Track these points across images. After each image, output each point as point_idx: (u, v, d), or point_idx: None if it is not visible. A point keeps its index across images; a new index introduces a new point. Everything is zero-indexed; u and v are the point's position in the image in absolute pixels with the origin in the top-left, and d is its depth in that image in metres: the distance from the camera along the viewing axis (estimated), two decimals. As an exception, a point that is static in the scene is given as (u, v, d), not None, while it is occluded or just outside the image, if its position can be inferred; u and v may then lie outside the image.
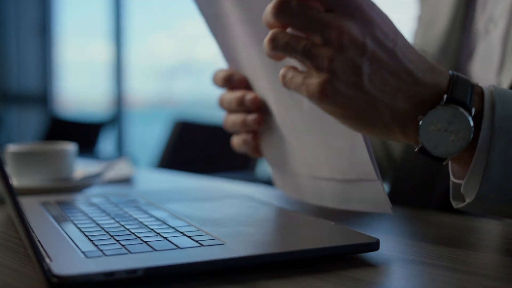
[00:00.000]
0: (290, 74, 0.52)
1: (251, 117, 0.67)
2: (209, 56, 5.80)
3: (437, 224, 0.65)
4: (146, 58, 5.67)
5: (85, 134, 3.10)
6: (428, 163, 0.82)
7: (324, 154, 0.61)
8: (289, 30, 0.52)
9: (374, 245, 0.49)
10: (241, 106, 0.68)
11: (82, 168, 0.96)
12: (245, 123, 0.68)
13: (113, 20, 4.27)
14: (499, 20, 0.75)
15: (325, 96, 0.50)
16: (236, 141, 0.72)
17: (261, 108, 0.68)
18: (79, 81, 5.52)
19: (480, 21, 0.78)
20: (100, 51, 4.63)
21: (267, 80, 0.64)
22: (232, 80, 0.69)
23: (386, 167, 0.92)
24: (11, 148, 0.83)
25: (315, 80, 0.50)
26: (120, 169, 1.03)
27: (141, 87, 5.26)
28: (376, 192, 0.56)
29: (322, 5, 0.50)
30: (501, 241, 0.59)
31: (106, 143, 3.37)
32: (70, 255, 0.46)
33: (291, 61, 0.54)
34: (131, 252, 0.46)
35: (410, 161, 0.85)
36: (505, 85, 0.71)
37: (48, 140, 3.21)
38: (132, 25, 4.29)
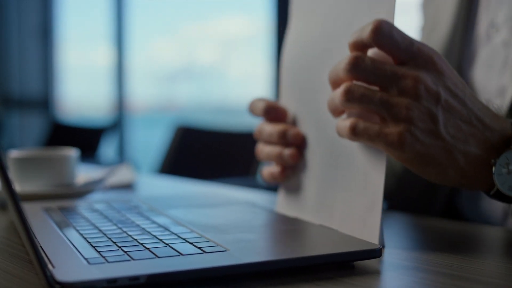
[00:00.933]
0: (362, 125, 0.54)
1: (288, 151, 0.67)
2: (211, 61, 5.81)
3: (440, 231, 0.65)
4: (148, 63, 5.68)
5: (86, 139, 3.10)
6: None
7: (340, 209, 0.60)
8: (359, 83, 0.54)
9: (376, 252, 0.49)
10: (281, 140, 0.67)
11: (84, 173, 0.96)
12: (281, 156, 0.68)
13: (115, 24, 4.28)
14: (501, 26, 0.75)
15: (404, 145, 0.52)
16: (265, 172, 0.72)
17: (300, 145, 0.68)
18: (81, 85, 5.53)
19: (482, 26, 0.78)
20: (101, 55, 4.64)
21: (318, 130, 0.64)
22: (272, 112, 0.69)
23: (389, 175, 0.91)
24: (14, 153, 0.83)
25: (393, 130, 0.52)
26: (122, 174, 1.03)
27: (142, 91, 5.27)
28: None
29: (395, 59, 0.53)
30: (504, 248, 0.59)
31: (107, 148, 3.37)
32: (72, 261, 0.46)
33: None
34: (133, 259, 0.46)
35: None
36: (509, 91, 0.71)
37: (49, 145, 3.21)
38: (133, 30, 4.30)
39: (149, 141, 5.05)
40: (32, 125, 4.77)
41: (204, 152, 2.11)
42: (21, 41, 4.83)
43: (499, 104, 0.72)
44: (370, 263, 0.50)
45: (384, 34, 0.52)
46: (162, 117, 5.12)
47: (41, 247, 0.49)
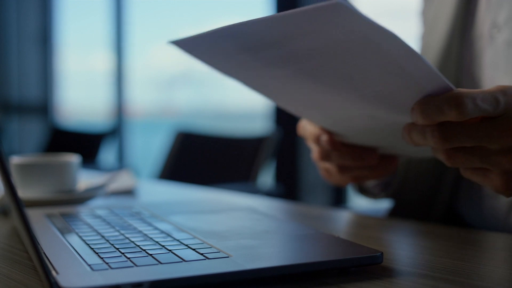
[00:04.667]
0: (468, 172, 0.58)
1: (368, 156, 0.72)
2: (210, 67, 5.81)
3: (441, 237, 0.65)
4: (147, 68, 5.68)
5: (86, 145, 3.10)
6: (430, 176, 0.83)
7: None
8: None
9: (378, 258, 0.50)
10: (359, 162, 0.72)
11: (85, 179, 0.97)
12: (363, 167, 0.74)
13: (114, 30, 4.29)
14: (503, 26, 0.75)
15: (510, 189, 0.57)
16: (344, 179, 0.77)
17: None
18: (80, 91, 5.53)
19: (484, 26, 0.78)
20: (101, 61, 4.64)
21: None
22: (320, 141, 0.72)
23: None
24: (15, 160, 0.83)
25: (498, 178, 0.56)
26: (123, 180, 1.03)
27: (142, 97, 5.27)
28: None
29: (481, 116, 0.54)
30: (505, 254, 0.60)
31: (107, 154, 3.37)
32: (76, 268, 0.46)
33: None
34: (136, 265, 0.46)
35: (412, 174, 0.85)
36: None
37: (49, 151, 3.21)
38: (133, 35, 4.30)
39: (149, 147, 5.06)
40: (31, 131, 4.76)
41: (204, 157, 2.11)
42: (20, 47, 4.84)
43: None
44: (371, 269, 0.50)
45: (471, 109, 0.52)
46: (161, 123, 5.12)
47: (44, 253, 0.50)
